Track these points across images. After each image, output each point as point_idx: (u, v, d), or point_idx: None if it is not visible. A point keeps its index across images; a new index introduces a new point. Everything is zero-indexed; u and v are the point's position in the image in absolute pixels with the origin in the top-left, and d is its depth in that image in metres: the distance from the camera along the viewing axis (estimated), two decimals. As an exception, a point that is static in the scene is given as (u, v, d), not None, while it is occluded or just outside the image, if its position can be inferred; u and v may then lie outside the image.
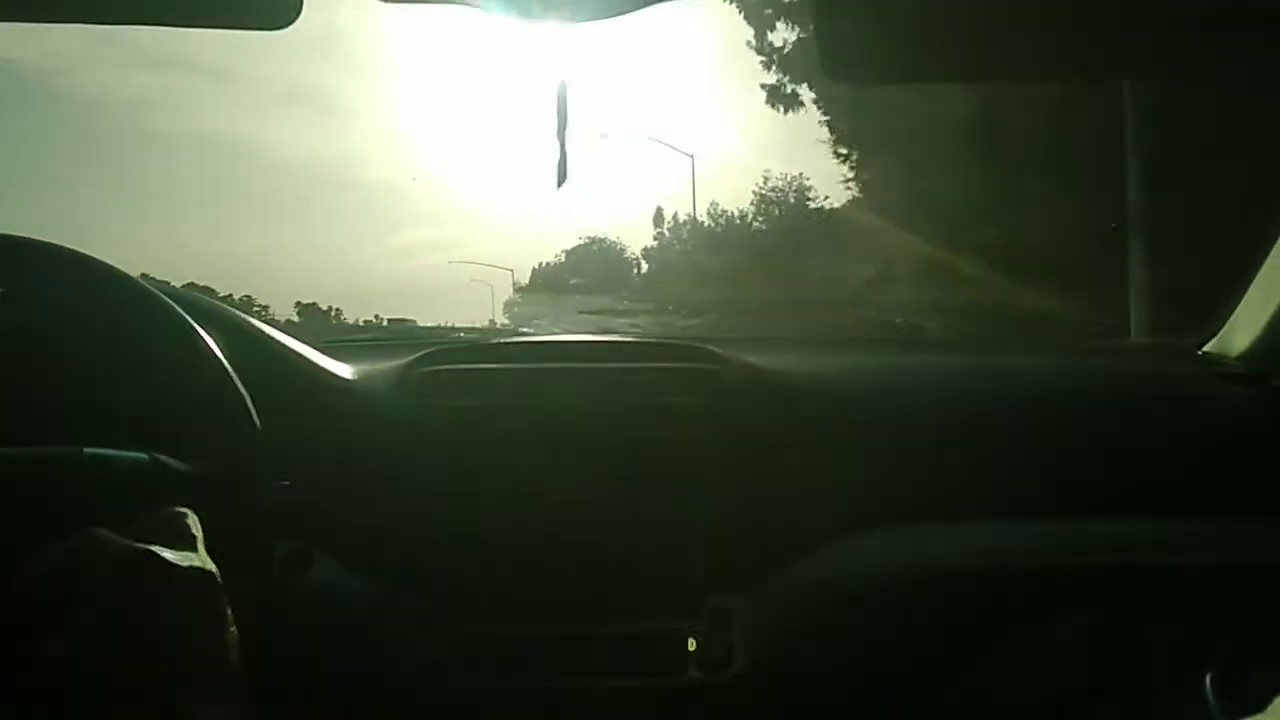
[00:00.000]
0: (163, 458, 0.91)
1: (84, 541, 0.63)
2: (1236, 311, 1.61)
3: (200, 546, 0.69)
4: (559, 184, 1.10)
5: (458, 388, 1.34)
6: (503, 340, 1.53)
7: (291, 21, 0.81)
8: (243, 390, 1.00)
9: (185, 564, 0.65)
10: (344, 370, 1.35)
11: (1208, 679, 0.98)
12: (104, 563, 0.62)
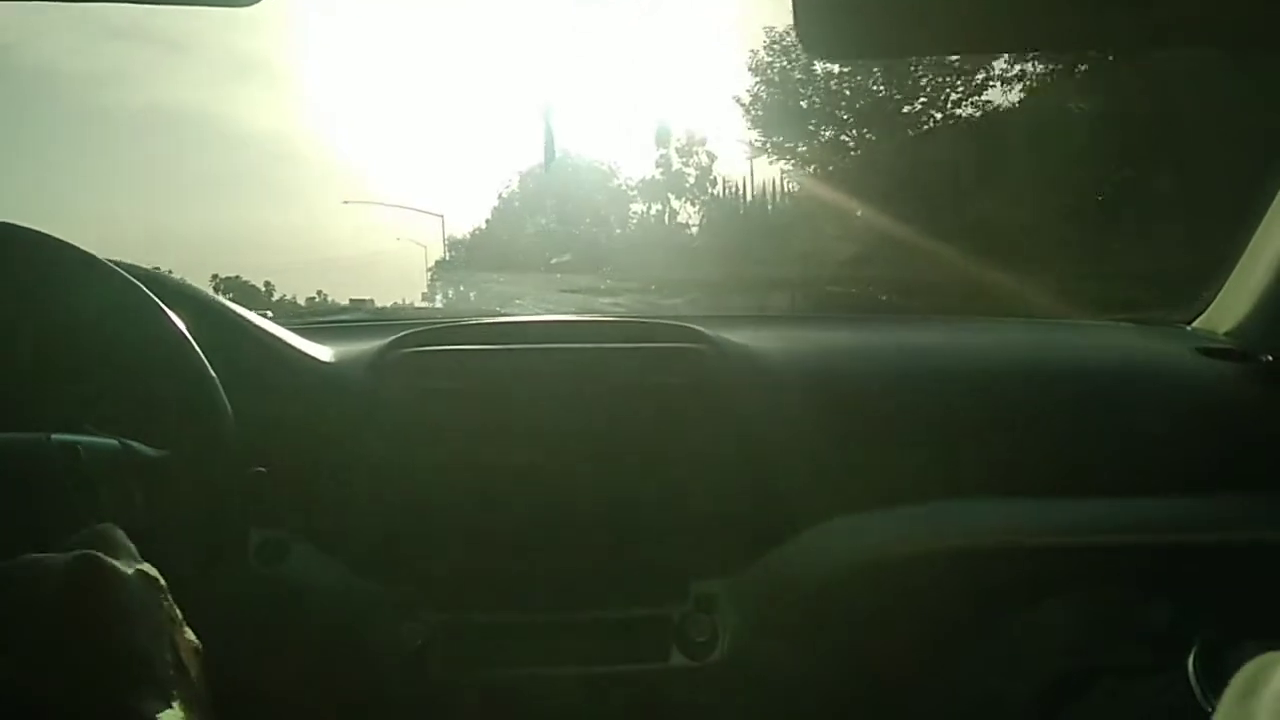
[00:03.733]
0: (132, 443, 0.89)
1: (18, 568, 0.62)
2: (1224, 287, 1.60)
3: (135, 555, 0.68)
4: (547, 165, 1.08)
5: (437, 370, 1.32)
6: (483, 321, 1.51)
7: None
8: (213, 374, 0.98)
9: (127, 569, 0.64)
10: (321, 352, 1.33)
11: (1190, 657, 0.97)
12: (45, 580, 0.61)
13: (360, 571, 1.23)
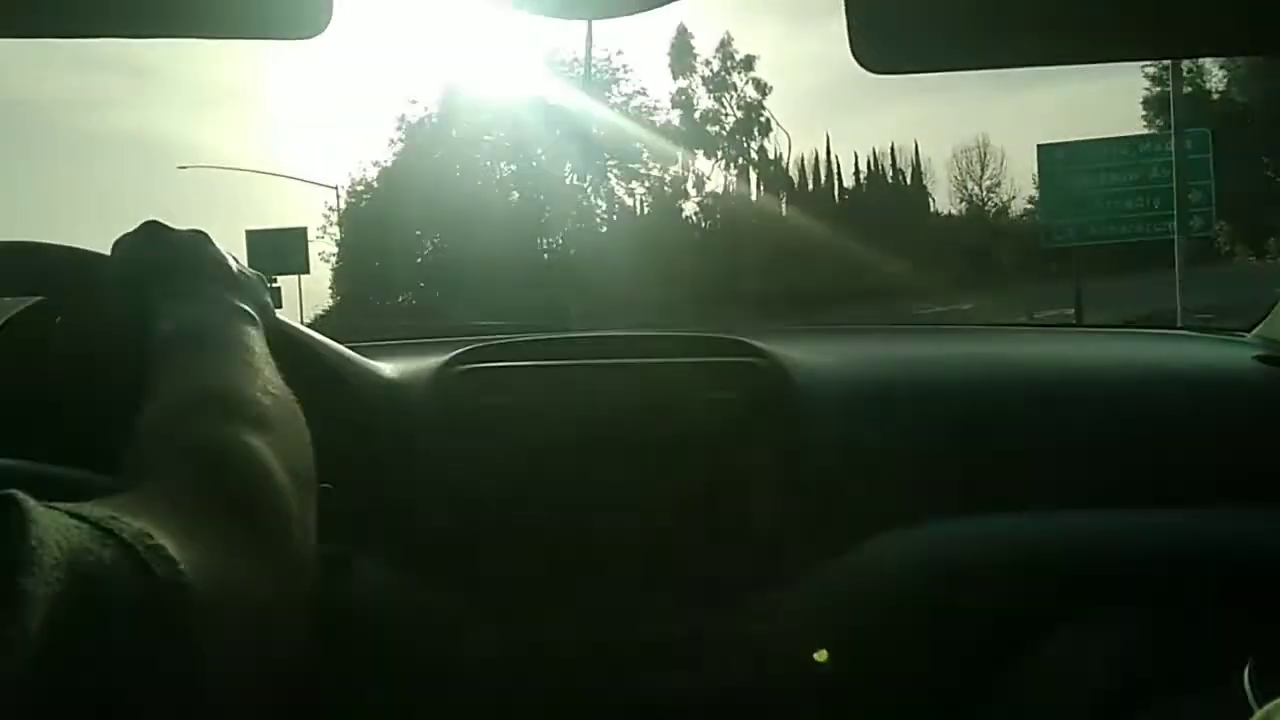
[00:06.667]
0: None
1: None
2: (1283, 296, 1.59)
3: None
4: (582, 178, 1.09)
5: (496, 386, 1.34)
6: (537, 337, 1.53)
7: (321, 30, 0.81)
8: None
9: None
10: (381, 370, 1.35)
11: (1245, 670, 0.96)
12: None
13: (425, 585, 1.24)
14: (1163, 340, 1.78)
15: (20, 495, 0.52)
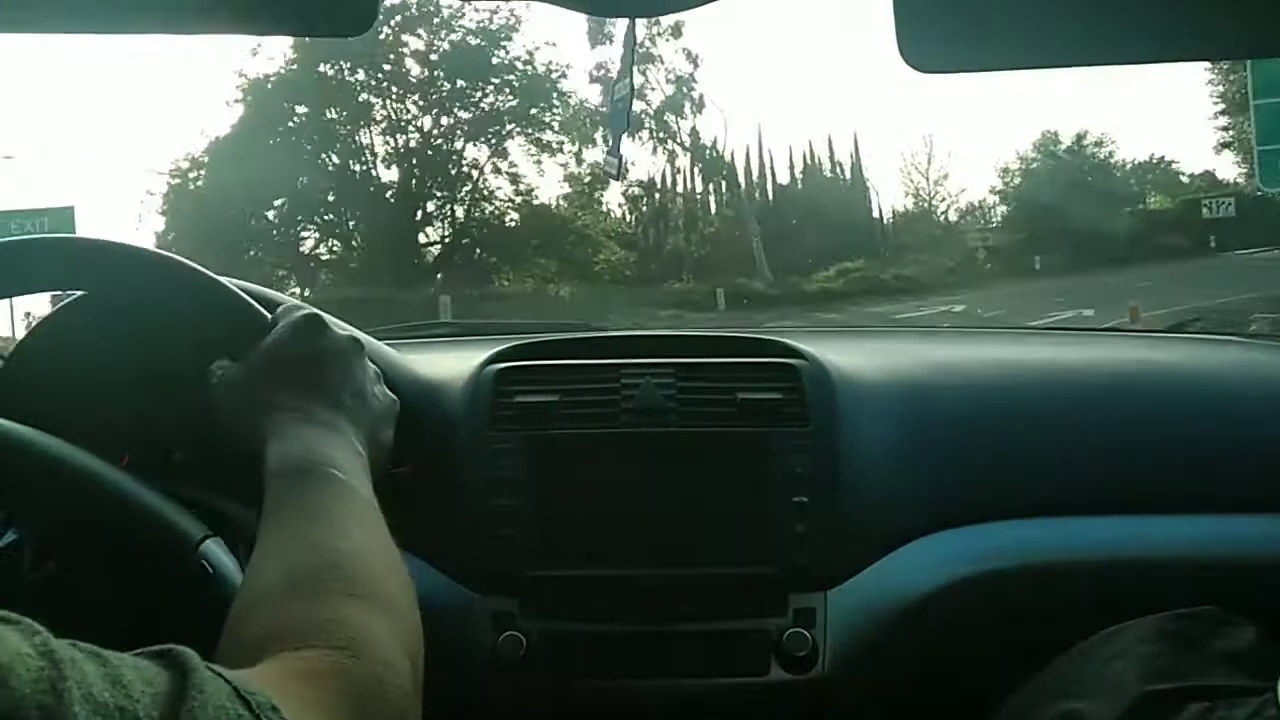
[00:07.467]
0: None
1: None
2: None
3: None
4: (619, 177, 1.07)
5: (535, 384, 1.34)
6: (575, 336, 1.52)
7: (367, 28, 0.80)
8: None
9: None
10: (418, 368, 1.35)
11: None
12: None
13: (461, 582, 1.25)
14: (1214, 345, 1.75)
15: (192, 660, 0.52)
